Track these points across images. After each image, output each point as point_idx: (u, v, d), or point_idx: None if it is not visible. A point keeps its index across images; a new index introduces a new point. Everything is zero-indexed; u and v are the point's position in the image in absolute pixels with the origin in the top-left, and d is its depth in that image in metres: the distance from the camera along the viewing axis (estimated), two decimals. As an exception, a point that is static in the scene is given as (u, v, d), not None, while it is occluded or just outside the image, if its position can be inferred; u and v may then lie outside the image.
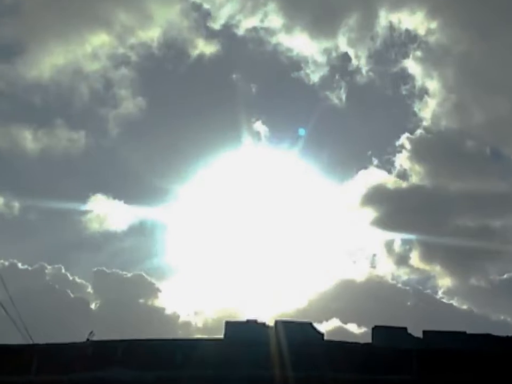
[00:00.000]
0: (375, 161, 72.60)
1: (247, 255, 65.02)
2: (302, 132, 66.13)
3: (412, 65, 73.93)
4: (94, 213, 69.29)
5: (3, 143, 71.79)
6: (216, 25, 69.92)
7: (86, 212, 68.78)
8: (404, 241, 70.13)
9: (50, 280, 65.15)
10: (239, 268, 63.94)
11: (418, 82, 74.81)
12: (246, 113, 66.81)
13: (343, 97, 72.82)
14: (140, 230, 71.06)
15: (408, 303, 66.69)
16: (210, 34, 70.74)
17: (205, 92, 70.55)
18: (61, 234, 70.89)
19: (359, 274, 74.84)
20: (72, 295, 62.97)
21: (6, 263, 60.62)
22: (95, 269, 67.75)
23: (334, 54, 72.23)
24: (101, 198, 68.19)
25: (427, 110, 73.60)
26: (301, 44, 71.95)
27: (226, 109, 66.89)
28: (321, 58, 71.06)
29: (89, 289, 66.81)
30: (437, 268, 71.91)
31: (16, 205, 69.87)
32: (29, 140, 71.25)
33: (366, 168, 72.71)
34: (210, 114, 67.79)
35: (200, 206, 66.46)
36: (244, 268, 63.32)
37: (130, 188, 72.05)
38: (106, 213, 69.30)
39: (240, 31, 70.58)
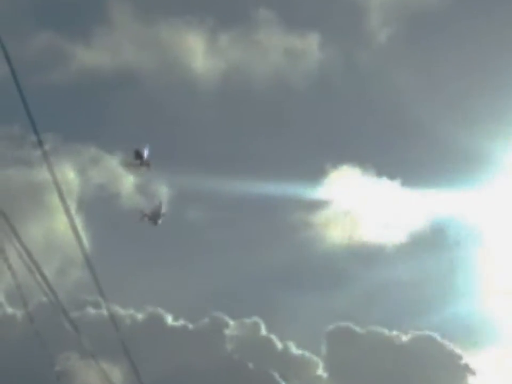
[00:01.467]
0: None
1: None
2: None
3: None
4: (335, 205, 37.26)
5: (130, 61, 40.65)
6: None
7: (317, 204, 37.10)
8: None
9: (234, 347, 38.06)
10: None
11: None
12: None
13: None
14: (431, 243, 38.99)
15: None
16: None
17: None
18: (261, 253, 40.52)
19: None
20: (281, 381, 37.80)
21: (140, 316, 34.78)
22: (331, 326, 41.91)
23: None
24: (351, 174, 37.56)
25: None
26: None
27: None
28: None
29: (320, 371, 41.17)
30: None
31: (164, 189, 33.39)
32: (199, 51, 40.60)
33: None
34: None
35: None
36: None
37: (408, 155, 40.39)
38: (362, 205, 37.64)
39: None
